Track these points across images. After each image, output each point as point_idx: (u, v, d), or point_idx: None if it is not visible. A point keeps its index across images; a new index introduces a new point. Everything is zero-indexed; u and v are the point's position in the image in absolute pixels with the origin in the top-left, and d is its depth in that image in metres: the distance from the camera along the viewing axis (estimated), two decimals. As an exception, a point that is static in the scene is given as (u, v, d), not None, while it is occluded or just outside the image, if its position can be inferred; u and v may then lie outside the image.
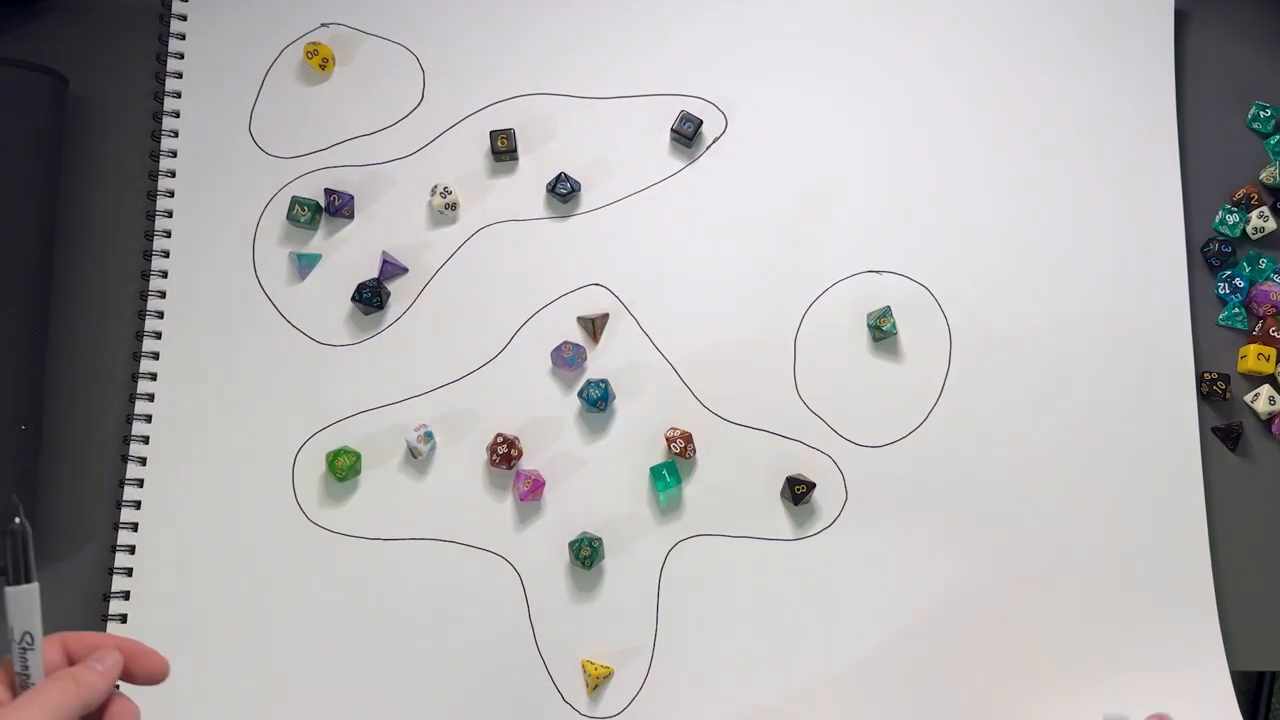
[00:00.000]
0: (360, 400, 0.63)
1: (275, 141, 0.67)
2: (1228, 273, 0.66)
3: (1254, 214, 0.65)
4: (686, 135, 0.65)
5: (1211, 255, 0.66)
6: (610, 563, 0.62)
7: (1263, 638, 0.62)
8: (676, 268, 0.65)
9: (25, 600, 0.40)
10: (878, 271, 0.65)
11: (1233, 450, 0.64)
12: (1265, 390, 0.64)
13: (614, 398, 0.63)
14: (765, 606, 0.61)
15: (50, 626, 0.61)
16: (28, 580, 0.40)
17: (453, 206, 0.65)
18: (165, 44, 0.67)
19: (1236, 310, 0.65)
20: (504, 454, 0.61)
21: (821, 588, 0.61)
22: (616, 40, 0.68)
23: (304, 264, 0.65)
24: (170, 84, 0.67)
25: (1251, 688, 0.79)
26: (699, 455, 0.63)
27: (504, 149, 0.65)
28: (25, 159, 0.63)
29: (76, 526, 0.62)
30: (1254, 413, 0.64)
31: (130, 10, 0.68)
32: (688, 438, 0.62)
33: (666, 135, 0.66)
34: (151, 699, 0.60)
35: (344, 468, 0.61)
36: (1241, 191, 0.66)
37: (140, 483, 0.62)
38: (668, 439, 0.62)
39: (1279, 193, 0.67)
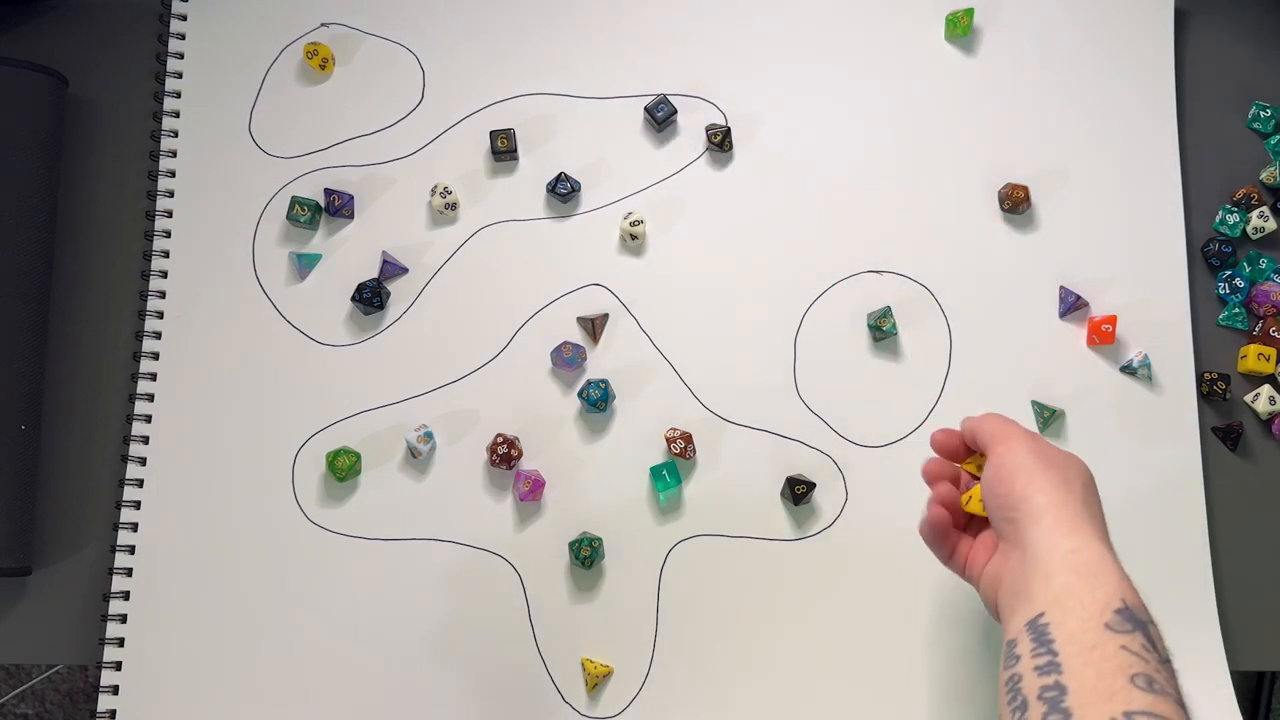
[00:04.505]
0: (360, 400, 0.63)
1: (275, 141, 0.67)
2: (1228, 273, 0.66)
3: (1254, 214, 0.65)
4: (658, 119, 0.65)
5: (1211, 255, 0.66)
6: (610, 563, 0.62)
7: (1263, 638, 0.62)
8: (676, 267, 0.65)
9: None
10: (878, 271, 0.65)
11: (1233, 450, 0.64)
12: (1265, 390, 0.64)
13: (614, 398, 0.63)
14: (765, 606, 0.61)
15: (51, 627, 0.61)
16: None
17: (453, 206, 0.65)
18: (165, 44, 0.67)
19: (1236, 310, 0.65)
20: (504, 454, 0.61)
21: (821, 588, 0.61)
22: (617, 40, 0.68)
23: (304, 264, 0.65)
24: (170, 84, 0.67)
25: (1251, 688, 0.79)
26: (699, 455, 0.63)
27: (504, 149, 0.65)
28: (25, 159, 0.63)
29: (76, 526, 0.62)
30: (1254, 413, 0.64)
31: (130, 10, 0.68)
32: (688, 438, 0.62)
33: (667, 135, 0.67)
34: (151, 699, 0.60)
35: (344, 468, 0.61)
36: (1241, 191, 0.66)
37: (140, 483, 0.62)
38: (668, 439, 0.62)
39: (1279, 193, 0.67)
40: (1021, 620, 0.42)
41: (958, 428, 0.53)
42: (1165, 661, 0.40)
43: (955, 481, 0.54)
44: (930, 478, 0.54)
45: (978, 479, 0.51)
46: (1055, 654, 0.39)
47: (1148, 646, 0.39)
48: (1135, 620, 0.40)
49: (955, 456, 0.53)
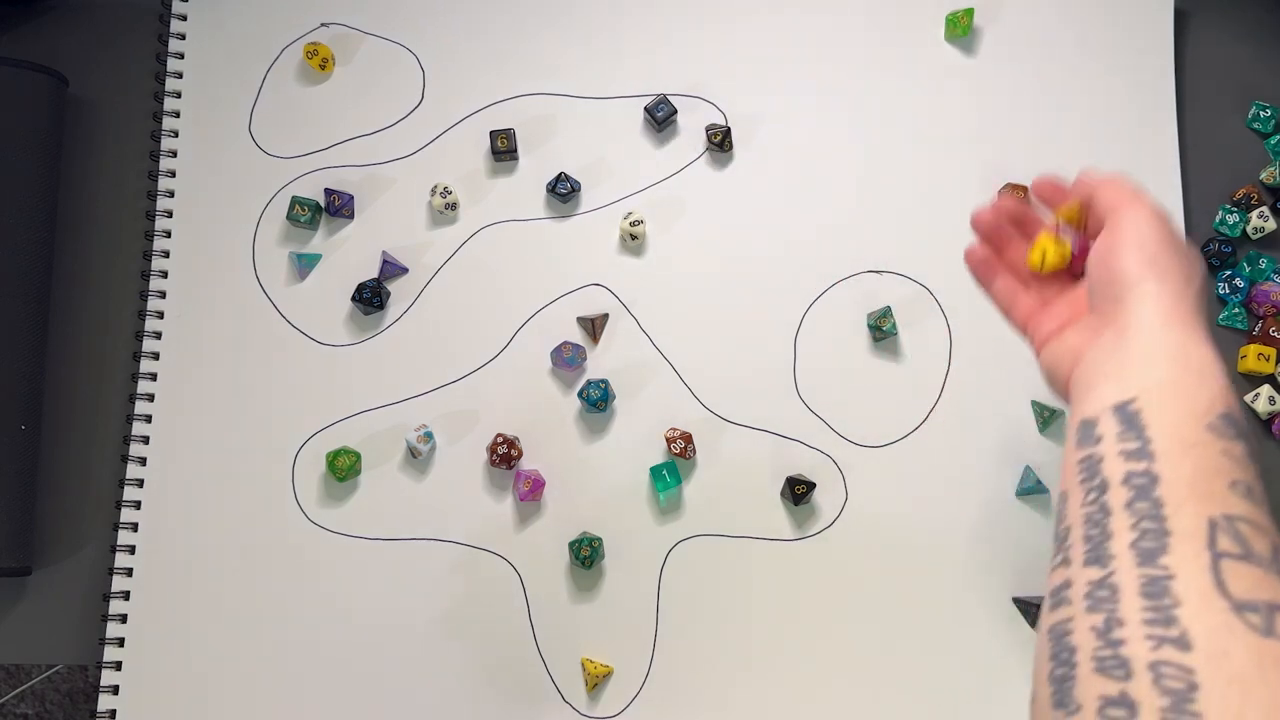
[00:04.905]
0: (360, 400, 0.63)
1: (275, 141, 0.67)
2: (1228, 273, 0.66)
3: (1254, 214, 0.65)
4: (658, 119, 0.65)
5: (1212, 255, 0.66)
6: (610, 563, 0.62)
7: (1263, 638, 0.62)
8: (676, 267, 0.65)
9: None
10: (878, 271, 0.65)
11: (1233, 450, 0.64)
12: (1265, 390, 0.64)
13: (614, 398, 0.63)
14: (765, 606, 0.61)
15: (51, 627, 0.61)
16: None
17: (453, 206, 0.65)
18: (165, 44, 0.67)
19: (1236, 310, 0.65)
20: (504, 454, 0.61)
21: (821, 588, 0.61)
22: (617, 40, 0.68)
23: (304, 264, 0.65)
24: (170, 84, 0.67)
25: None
26: (699, 455, 0.63)
27: (504, 149, 0.65)
28: (25, 159, 0.63)
29: (76, 526, 0.62)
30: (1254, 413, 0.64)
31: (130, 10, 0.68)
32: (688, 438, 0.62)
33: (667, 135, 0.67)
34: (151, 699, 0.60)
35: (344, 468, 0.61)
36: (1241, 191, 0.66)
37: (140, 483, 0.62)
38: (668, 439, 0.62)
39: (1279, 193, 0.67)
40: (1107, 401, 0.38)
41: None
42: (1261, 477, 0.36)
43: (1003, 242, 0.50)
44: (979, 227, 0.50)
45: (1069, 233, 0.46)
46: (1148, 442, 0.36)
47: (1248, 456, 0.36)
48: (1239, 429, 0.36)
49: (1052, 204, 0.49)
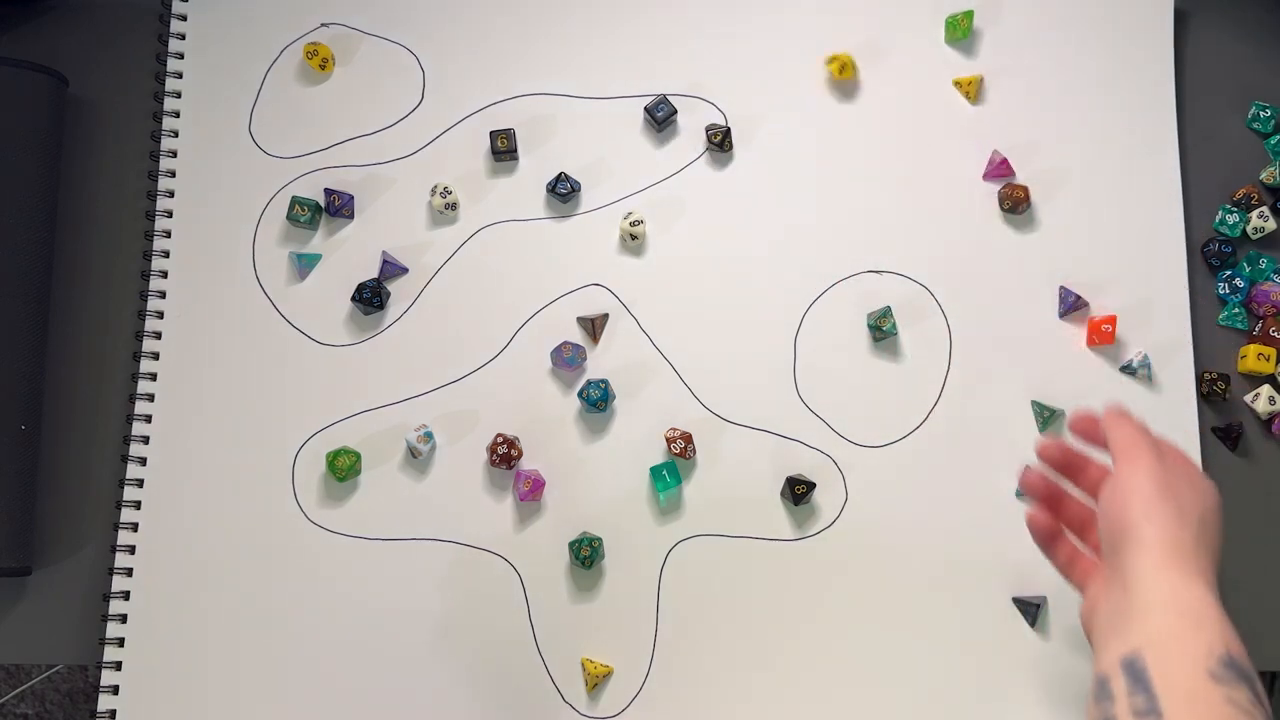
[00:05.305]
0: (360, 400, 0.63)
1: (275, 141, 0.67)
2: (1228, 273, 0.66)
3: (1254, 214, 0.65)
4: (658, 119, 0.65)
5: (1211, 255, 0.66)
6: (610, 563, 0.62)
7: (1263, 638, 0.62)
8: (676, 268, 0.65)
9: None
10: (878, 271, 0.65)
11: (1233, 450, 0.64)
12: (1265, 390, 0.64)
13: (614, 398, 0.63)
14: (765, 606, 0.61)
15: (51, 627, 0.61)
16: None
17: (453, 206, 0.65)
18: (165, 44, 0.67)
19: (1236, 310, 0.65)
20: (504, 454, 0.61)
21: (821, 588, 0.61)
22: (617, 41, 0.68)
23: (304, 264, 0.65)
24: (170, 84, 0.67)
25: (1251, 688, 0.79)
26: (699, 455, 0.63)
27: (504, 149, 0.65)
28: (25, 159, 0.63)
29: (76, 526, 0.62)
30: (1254, 413, 0.64)
31: (130, 10, 0.68)
32: (688, 438, 0.62)
33: (667, 135, 0.67)
34: (151, 699, 0.60)
35: (344, 468, 0.61)
36: (1241, 191, 0.66)
37: (140, 483, 0.62)
38: (668, 439, 0.62)
39: (1279, 193, 0.67)
40: (1115, 656, 0.41)
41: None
42: (1269, 716, 0.38)
43: (1057, 499, 0.53)
44: (1030, 489, 0.53)
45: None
46: (1155, 698, 0.38)
47: (1254, 701, 0.38)
48: (1240, 671, 0.38)
49: (1089, 438, 0.51)
